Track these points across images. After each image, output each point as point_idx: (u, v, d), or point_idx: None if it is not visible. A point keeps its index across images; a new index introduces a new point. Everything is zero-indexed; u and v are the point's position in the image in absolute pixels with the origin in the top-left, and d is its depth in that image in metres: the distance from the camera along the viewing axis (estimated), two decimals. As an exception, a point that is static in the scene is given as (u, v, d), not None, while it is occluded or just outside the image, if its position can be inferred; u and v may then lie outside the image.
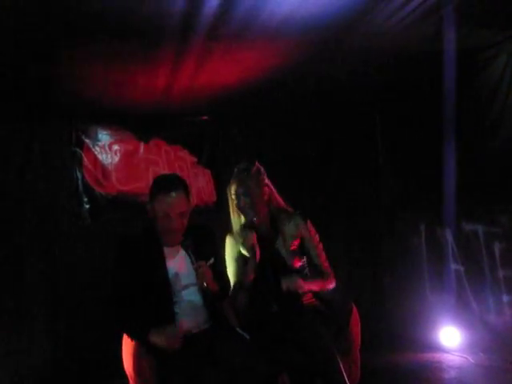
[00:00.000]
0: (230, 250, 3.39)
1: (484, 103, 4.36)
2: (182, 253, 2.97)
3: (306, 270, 3.42)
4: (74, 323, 4.63)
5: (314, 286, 3.28)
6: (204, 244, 2.99)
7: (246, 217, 3.31)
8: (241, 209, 3.31)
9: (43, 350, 4.51)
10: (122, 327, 2.91)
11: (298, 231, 3.40)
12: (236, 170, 3.40)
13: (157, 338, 2.72)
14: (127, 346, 2.95)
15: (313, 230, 3.46)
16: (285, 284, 3.13)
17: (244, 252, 3.30)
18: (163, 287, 2.86)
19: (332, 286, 3.38)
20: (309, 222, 3.46)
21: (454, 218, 4.60)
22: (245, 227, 3.30)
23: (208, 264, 2.92)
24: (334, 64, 4.12)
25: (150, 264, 2.88)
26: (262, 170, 3.41)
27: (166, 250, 2.96)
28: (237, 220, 3.40)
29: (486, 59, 4.29)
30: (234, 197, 3.35)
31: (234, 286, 3.27)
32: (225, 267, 3.35)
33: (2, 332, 4.36)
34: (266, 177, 3.41)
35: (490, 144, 4.28)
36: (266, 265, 3.23)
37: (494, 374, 4.02)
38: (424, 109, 4.78)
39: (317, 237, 3.46)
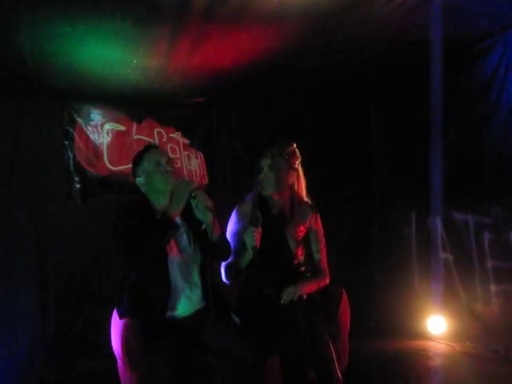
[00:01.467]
0: (239, 219, 3.37)
1: (479, 93, 4.36)
2: (182, 224, 3.00)
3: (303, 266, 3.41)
4: (64, 303, 4.61)
5: (312, 288, 3.23)
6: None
7: (259, 189, 3.27)
8: (259, 181, 3.27)
9: (32, 329, 4.49)
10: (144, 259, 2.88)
11: (307, 221, 3.38)
12: (269, 144, 3.39)
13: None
14: (116, 325, 2.95)
15: (320, 224, 3.45)
16: (286, 295, 3.07)
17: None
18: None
19: (326, 283, 3.36)
20: (318, 215, 3.45)
21: (444, 208, 4.61)
22: (259, 205, 3.24)
23: (203, 228, 2.96)
24: (330, 50, 4.11)
25: (147, 223, 2.88)
26: (298, 154, 3.37)
27: None
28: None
29: (482, 49, 4.28)
30: (259, 169, 3.31)
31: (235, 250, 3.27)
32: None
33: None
34: (298, 163, 3.38)
35: (484, 135, 4.28)
36: (270, 248, 3.19)
37: (480, 363, 4.08)
38: (418, 98, 4.77)
39: (322, 232, 3.45)
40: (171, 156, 3.32)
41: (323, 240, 3.44)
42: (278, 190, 3.28)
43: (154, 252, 2.83)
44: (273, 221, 3.26)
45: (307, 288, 3.18)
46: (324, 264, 3.41)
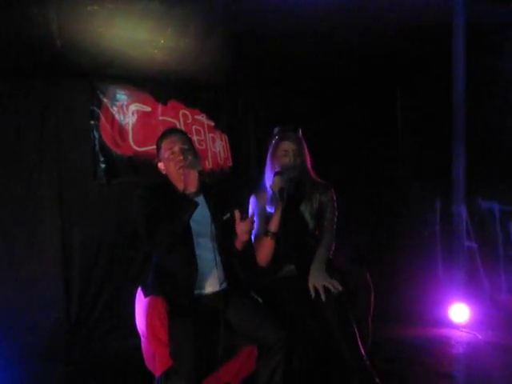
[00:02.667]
0: (255, 207, 3.43)
1: (508, 79, 4.29)
2: (202, 205, 3.00)
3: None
4: (88, 283, 4.65)
5: (326, 258, 3.30)
6: (219, 200, 3.08)
7: (285, 173, 3.28)
8: (287, 167, 3.31)
9: (56, 310, 4.54)
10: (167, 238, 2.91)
11: (321, 198, 3.45)
12: (281, 128, 3.46)
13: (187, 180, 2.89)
14: (140, 304, 2.97)
15: (334, 197, 3.50)
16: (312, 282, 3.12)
17: (269, 208, 3.35)
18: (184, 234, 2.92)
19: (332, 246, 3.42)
20: (332, 190, 3.51)
21: (469, 196, 4.56)
22: (277, 175, 3.27)
23: (225, 218, 3.02)
24: (357, 33, 4.06)
25: (169, 210, 2.91)
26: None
27: None
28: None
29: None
30: (283, 153, 3.36)
31: (257, 235, 3.30)
32: None
33: (17, 291, 4.39)
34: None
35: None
36: (289, 226, 3.25)
37: (502, 351, 4.05)
38: (444, 84, 4.70)
39: (335, 206, 3.49)
40: (194, 138, 3.19)
41: (335, 214, 3.48)
42: (301, 172, 3.36)
43: (175, 231, 2.86)
44: (291, 200, 3.29)
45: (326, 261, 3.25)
46: (332, 226, 3.45)
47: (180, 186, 2.98)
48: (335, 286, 3.06)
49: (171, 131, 3.17)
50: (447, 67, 4.33)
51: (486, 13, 3.80)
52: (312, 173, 3.49)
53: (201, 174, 2.94)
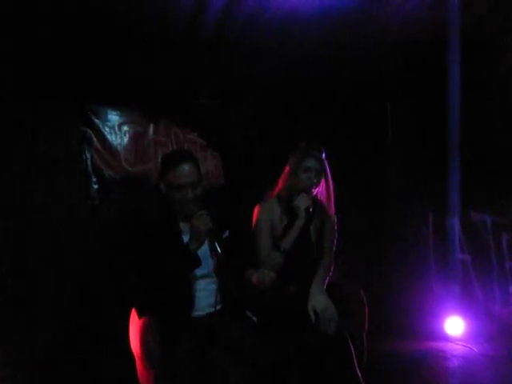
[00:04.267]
0: (262, 217, 3.33)
1: (497, 92, 4.33)
2: None
3: None
4: (80, 301, 4.63)
5: (325, 281, 3.31)
6: (217, 220, 2.93)
7: (301, 189, 3.26)
8: (306, 185, 3.26)
9: (48, 327, 4.51)
10: (135, 300, 2.90)
11: (324, 221, 3.43)
12: (309, 143, 3.36)
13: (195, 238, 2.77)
14: (134, 324, 2.97)
15: (335, 220, 3.49)
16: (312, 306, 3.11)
17: (276, 219, 3.30)
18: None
19: (331, 269, 3.41)
20: (335, 217, 3.49)
21: (462, 208, 4.59)
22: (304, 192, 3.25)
23: (224, 237, 2.95)
24: (347, 48, 4.10)
25: (166, 237, 2.87)
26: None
27: (182, 225, 2.95)
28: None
29: (501, 46, 4.24)
30: (306, 169, 3.27)
31: (265, 249, 3.25)
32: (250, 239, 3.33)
33: (7, 307, 4.36)
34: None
35: (503, 134, 4.25)
36: (296, 245, 3.22)
37: (498, 364, 4.04)
38: (435, 98, 4.75)
39: (336, 227, 3.48)
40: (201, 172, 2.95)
41: (336, 235, 3.47)
42: (323, 193, 3.38)
43: (171, 283, 2.81)
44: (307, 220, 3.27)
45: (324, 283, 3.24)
46: (332, 250, 3.43)
47: (180, 214, 2.92)
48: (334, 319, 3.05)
49: (183, 158, 2.89)
50: (439, 81, 4.38)
51: (479, 23, 3.83)
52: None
53: (209, 233, 2.82)
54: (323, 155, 3.35)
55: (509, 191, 4.26)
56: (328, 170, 3.38)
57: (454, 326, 4.59)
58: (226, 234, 3.00)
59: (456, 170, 4.56)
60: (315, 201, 3.36)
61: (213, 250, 2.89)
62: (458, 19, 3.66)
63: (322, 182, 3.39)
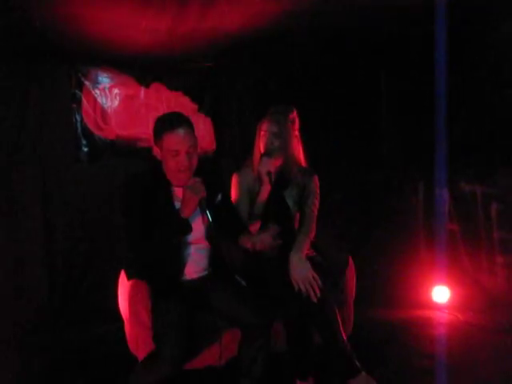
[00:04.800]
0: (238, 186, 3.37)
1: (491, 63, 4.30)
2: None
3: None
4: (71, 267, 4.64)
5: (306, 246, 3.26)
6: (210, 184, 2.93)
7: (265, 155, 3.26)
8: (267, 149, 3.26)
9: (39, 294, 4.52)
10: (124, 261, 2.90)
11: (305, 184, 3.43)
12: (273, 109, 3.36)
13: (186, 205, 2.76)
14: (123, 288, 2.98)
15: (317, 183, 3.48)
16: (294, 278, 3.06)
17: (251, 187, 3.32)
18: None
19: (312, 234, 3.38)
20: (316, 176, 3.49)
21: (452, 178, 4.60)
22: (265, 156, 3.25)
23: (218, 199, 2.97)
24: (341, 14, 4.04)
25: (159, 203, 2.86)
26: (298, 120, 3.39)
27: (175, 190, 2.93)
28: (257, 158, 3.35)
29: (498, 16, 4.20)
30: (263, 133, 3.30)
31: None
32: None
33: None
34: (298, 128, 3.40)
35: (498, 106, 4.23)
36: (272, 211, 3.22)
37: (483, 333, 4.09)
38: (429, 67, 4.71)
39: (317, 193, 3.47)
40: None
41: (317, 201, 3.45)
42: (282, 157, 3.29)
43: (161, 248, 2.81)
44: (274, 185, 3.26)
45: (304, 248, 3.20)
46: (313, 213, 3.40)
47: (174, 181, 2.90)
48: (317, 285, 3.02)
49: (178, 122, 2.82)
50: (431, 49, 4.33)
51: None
52: (299, 157, 3.45)
53: (201, 200, 2.80)
54: (287, 117, 3.32)
55: (499, 162, 4.26)
56: (293, 129, 3.35)
57: (441, 294, 4.64)
58: (219, 198, 2.99)
59: (443, 142, 4.56)
60: (289, 164, 3.35)
61: (204, 216, 2.89)
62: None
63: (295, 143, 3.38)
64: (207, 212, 2.84)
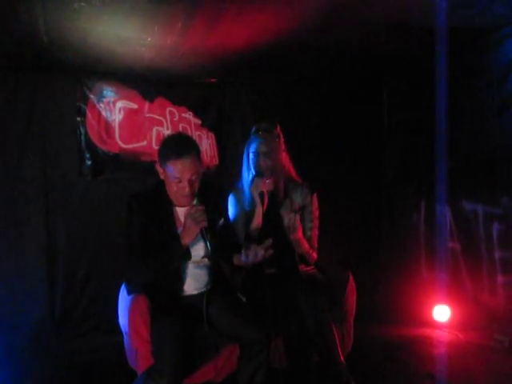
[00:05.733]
0: (234, 207, 3.37)
1: (493, 83, 4.32)
2: None
3: None
4: (72, 278, 4.65)
5: (303, 242, 3.27)
6: (215, 204, 2.97)
7: (257, 174, 3.27)
8: (258, 169, 3.26)
9: (41, 304, 4.54)
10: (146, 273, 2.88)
11: (302, 201, 3.42)
12: (256, 128, 3.36)
13: (187, 233, 2.75)
14: (123, 301, 2.98)
15: (316, 204, 3.47)
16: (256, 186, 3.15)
17: (246, 206, 3.32)
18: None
19: (311, 260, 3.37)
20: (315, 195, 3.47)
21: (454, 197, 4.60)
22: (257, 177, 3.25)
23: (220, 224, 2.95)
24: (344, 32, 4.07)
25: (160, 223, 2.87)
26: (281, 134, 3.39)
27: (177, 210, 2.95)
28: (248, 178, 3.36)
29: (499, 38, 4.23)
30: (252, 155, 3.29)
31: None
32: None
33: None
34: (283, 142, 3.41)
35: (499, 124, 4.24)
36: (268, 228, 3.20)
37: (483, 352, 4.08)
38: (431, 86, 4.73)
39: (317, 212, 3.47)
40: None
41: (317, 220, 3.46)
42: (274, 174, 3.29)
43: (159, 271, 2.83)
44: (269, 202, 3.26)
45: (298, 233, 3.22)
46: (314, 242, 3.42)
47: (175, 202, 2.91)
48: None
49: (185, 151, 2.74)
50: (432, 70, 4.36)
51: (471, 16, 3.81)
52: (290, 172, 3.46)
53: (202, 229, 2.79)
54: (273, 134, 3.33)
55: (501, 181, 4.26)
56: (280, 145, 3.35)
57: (442, 313, 4.63)
58: (221, 221, 2.98)
59: (443, 160, 4.57)
60: (281, 181, 3.36)
61: (204, 241, 2.91)
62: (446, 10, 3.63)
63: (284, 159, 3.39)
64: (208, 241, 2.86)
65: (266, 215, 3.21)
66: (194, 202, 2.93)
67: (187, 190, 2.79)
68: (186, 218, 2.77)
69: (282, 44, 4.17)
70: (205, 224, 2.76)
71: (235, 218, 3.35)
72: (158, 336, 2.69)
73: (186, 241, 2.78)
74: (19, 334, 4.34)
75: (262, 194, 3.16)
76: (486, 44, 4.32)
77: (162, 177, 2.89)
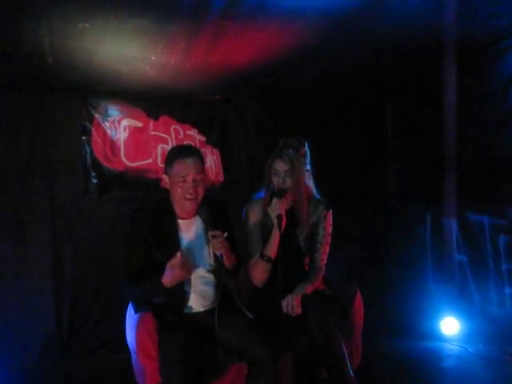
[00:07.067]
0: (252, 219, 3.26)
1: (497, 95, 4.33)
2: (197, 226, 3.00)
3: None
4: (78, 297, 4.65)
5: (307, 291, 3.16)
6: (219, 216, 3.00)
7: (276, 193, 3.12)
8: (278, 188, 3.12)
9: (47, 323, 4.54)
10: (134, 295, 2.96)
11: (317, 217, 3.32)
12: (282, 144, 3.18)
13: (170, 276, 2.76)
14: (131, 320, 2.98)
15: (330, 220, 3.36)
16: (285, 306, 3.02)
17: (263, 221, 3.22)
18: None
19: (320, 282, 3.30)
20: (330, 212, 3.36)
21: (460, 209, 4.60)
22: (275, 197, 3.09)
23: (224, 236, 2.94)
24: (347, 48, 4.10)
25: (163, 236, 2.91)
26: (308, 154, 3.25)
27: (181, 223, 2.98)
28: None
29: (500, 51, 4.25)
30: (275, 172, 3.15)
31: (252, 254, 3.20)
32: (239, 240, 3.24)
33: (7, 304, 4.39)
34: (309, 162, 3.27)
35: (501, 136, 4.25)
36: (282, 247, 3.09)
37: (492, 365, 4.05)
38: (434, 99, 4.76)
39: (330, 229, 3.35)
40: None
41: (329, 236, 3.35)
42: (294, 193, 3.17)
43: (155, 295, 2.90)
44: (287, 224, 3.13)
45: (304, 293, 3.10)
46: (322, 262, 3.32)
47: (180, 212, 2.97)
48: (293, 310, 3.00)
49: (188, 152, 2.98)
50: (437, 84, 4.39)
51: (476, 28, 3.83)
52: (311, 192, 3.33)
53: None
54: (299, 153, 3.17)
55: (507, 193, 4.26)
56: (304, 164, 3.21)
57: (450, 326, 4.61)
58: (225, 234, 2.99)
59: (452, 172, 4.60)
60: (302, 202, 3.22)
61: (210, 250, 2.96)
62: (454, 24, 3.64)
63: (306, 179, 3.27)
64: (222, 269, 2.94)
65: (283, 237, 3.09)
66: (197, 216, 3.00)
67: (191, 190, 2.88)
68: (176, 266, 2.75)
69: (284, 61, 4.20)
70: (223, 251, 2.86)
71: (248, 232, 3.27)
72: (165, 354, 2.69)
73: (167, 282, 2.79)
74: (26, 352, 4.34)
75: (279, 217, 3.01)
76: (487, 57, 4.34)
77: (167, 186, 2.99)
